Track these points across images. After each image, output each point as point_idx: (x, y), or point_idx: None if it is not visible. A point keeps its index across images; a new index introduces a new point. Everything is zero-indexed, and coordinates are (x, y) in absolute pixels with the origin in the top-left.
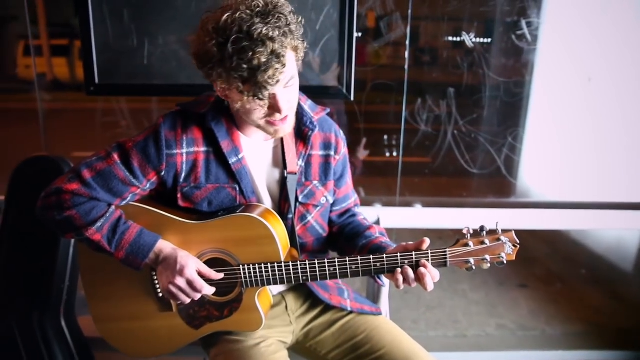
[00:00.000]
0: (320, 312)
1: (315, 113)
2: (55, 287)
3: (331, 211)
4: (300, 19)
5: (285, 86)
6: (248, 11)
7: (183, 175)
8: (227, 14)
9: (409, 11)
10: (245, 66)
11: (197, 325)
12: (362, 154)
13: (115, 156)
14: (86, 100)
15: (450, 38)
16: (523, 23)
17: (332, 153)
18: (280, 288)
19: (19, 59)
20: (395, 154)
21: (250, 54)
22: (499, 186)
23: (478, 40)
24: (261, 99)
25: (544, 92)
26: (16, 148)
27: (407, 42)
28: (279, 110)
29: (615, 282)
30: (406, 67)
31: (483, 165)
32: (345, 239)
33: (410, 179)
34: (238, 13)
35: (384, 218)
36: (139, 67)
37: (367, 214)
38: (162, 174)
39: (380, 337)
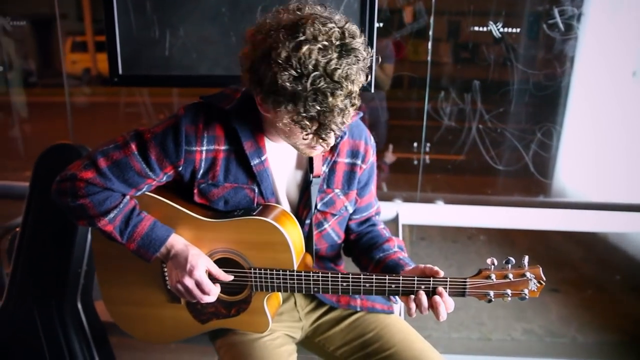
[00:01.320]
0: (330, 308)
1: None
2: (72, 271)
3: (350, 219)
4: (369, 49)
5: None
6: (326, 42)
7: (201, 171)
8: (306, 46)
9: (433, 0)
10: (318, 108)
11: (203, 320)
12: (390, 158)
13: (133, 146)
14: (126, 94)
15: (476, 28)
16: (555, 11)
17: (359, 162)
18: None
19: (67, 54)
20: (416, 148)
21: (329, 96)
22: (526, 184)
23: (506, 30)
24: (323, 139)
25: (584, 85)
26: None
27: (431, 33)
28: (325, 144)
29: None
30: (429, 59)
31: (509, 162)
32: (362, 249)
33: (432, 175)
34: (316, 45)
35: (403, 214)
36: (160, 58)
37: (386, 210)
38: (180, 169)
39: (391, 336)
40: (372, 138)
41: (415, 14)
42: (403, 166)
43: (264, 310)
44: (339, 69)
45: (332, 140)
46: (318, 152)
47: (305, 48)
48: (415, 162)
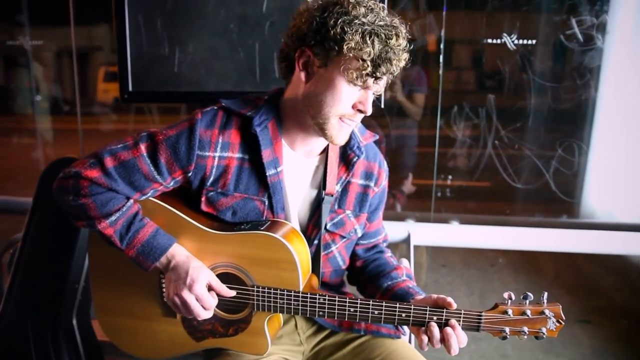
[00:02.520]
0: (332, 332)
1: (364, 138)
2: (68, 287)
3: (358, 244)
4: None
5: (378, 91)
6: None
7: (211, 179)
8: (362, 8)
9: (444, 12)
10: (378, 45)
11: (199, 338)
12: (409, 188)
13: (143, 147)
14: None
15: (490, 40)
16: (573, 22)
17: (372, 184)
18: None
19: (99, 84)
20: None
21: (392, 36)
22: (547, 204)
23: (521, 42)
24: (369, 75)
25: (613, 99)
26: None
27: (442, 46)
28: (364, 107)
29: None
30: (440, 72)
31: (528, 180)
32: (369, 276)
33: (446, 196)
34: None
35: (415, 235)
36: (170, 75)
37: (397, 230)
38: (190, 174)
39: None
40: (385, 162)
41: (438, 42)
42: (418, 192)
43: (264, 331)
44: (395, 24)
45: (367, 112)
46: (342, 138)
47: (362, 8)
48: (439, 194)
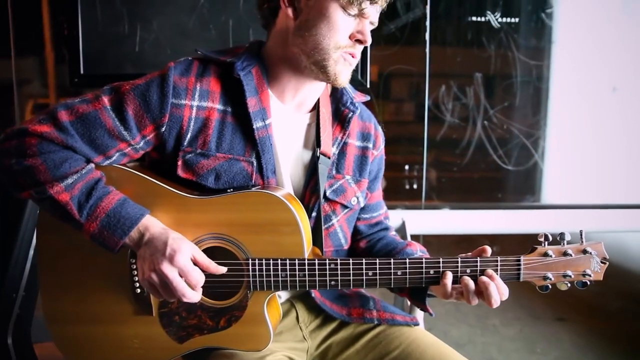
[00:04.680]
0: (341, 324)
1: (356, 95)
2: (3, 297)
3: (359, 219)
4: None
5: (371, 22)
6: None
7: (189, 136)
8: None
9: None
10: None
11: (182, 338)
12: None
13: (106, 100)
14: None
15: (474, 18)
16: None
17: (370, 146)
18: (289, 292)
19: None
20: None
21: None
22: (536, 184)
23: (504, 20)
24: (363, 0)
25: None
26: None
27: (428, 23)
28: (363, 37)
29: None
30: (427, 50)
31: (519, 161)
32: (379, 256)
33: (436, 178)
34: None
35: (410, 222)
36: (130, 55)
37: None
38: (163, 129)
39: (421, 353)
40: (380, 126)
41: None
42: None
43: (264, 317)
44: None
45: (367, 41)
46: (344, 78)
47: None
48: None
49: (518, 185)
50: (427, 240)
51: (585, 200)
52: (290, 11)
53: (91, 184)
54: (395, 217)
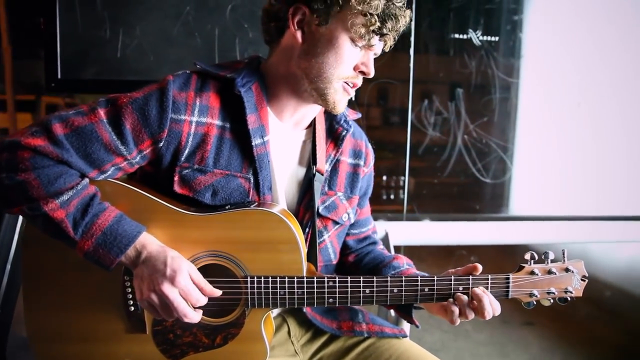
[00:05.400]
0: (331, 337)
1: (349, 113)
2: None
3: (349, 234)
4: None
5: (377, 53)
6: None
7: (186, 151)
8: None
9: (413, 5)
10: (384, 0)
11: (176, 356)
12: None
13: (102, 113)
14: None
15: (457, 35)
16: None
17: (362, 163)
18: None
19: None
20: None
21: None
22: (511, 196)
23: (485, 38)
24: (375, 32)
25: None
26: None
27: (412, 39)
28: (367, 69)
29: (633, 313)
30: (411, 64)
31: (496, 174)
32: (367, 269)
33: (417, 190)
34: None
35: (393, 233)
36: (111, 61)
37: None
38: (161, 144)
39: None
40: (370, 143)
41: None
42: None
43: (261, 334)
44: None
45: (370, 74)
46: (342, 105)
47: None
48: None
49: (495, 197)
50: (409, 251)
51: (554, 212)
52: (299, 34)
53: (87, 201)
54: (378, 229)
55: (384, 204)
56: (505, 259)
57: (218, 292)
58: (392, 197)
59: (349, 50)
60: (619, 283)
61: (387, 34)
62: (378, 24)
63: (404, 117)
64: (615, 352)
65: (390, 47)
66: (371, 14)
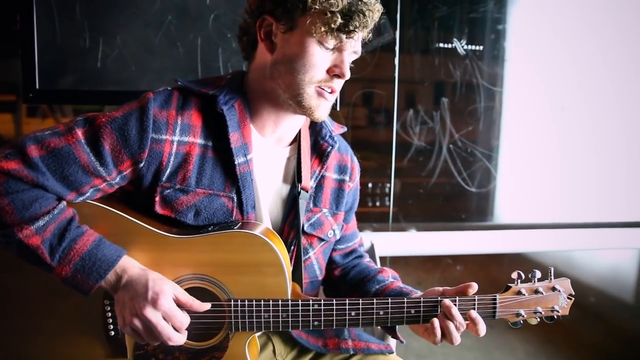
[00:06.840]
0: (317, 355)
1: (335, 128)
2: None
3: (335, 249)
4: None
5: (354, 52)
6: None
7: (168, 171)
8: None
9: (397, 15)
10: None
11: None
12: None
13: (79, 133)
14: None
15: (442, 45)
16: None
17: (347, 179)
18: None
19: None
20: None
21: None
22: (495, 205)
23: (470, 47)
24: (340, 30)
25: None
26: None
27: (397, 48)
28: (340, 71)
29: (616, 316)
30: (396, 74)
31: (482, 183)
32: (352, 284)
33: (403, 201)
34: None
35: (379, 244)
36: (91, 71)
37: None
38: (141, 165)
39: None
40: (355, 157)
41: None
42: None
43: (245, 357)
44: None
45: (345, 75)
46: (322, 113)
47: None
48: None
49: (480, 206)
50: (395, 261)
51: (539, 220)
52: (266, 45)
53: (64, 225)
54: (364, 240)
55: (370, 214)
56: (491, 267)
57: (207, 306)
58: (377, 203)
59: (318, 54)
60: (602, 287)
61: (353, 31)
62: (341, 21)
63: (389, 121)
64: (600, 355)
65: (369, 42)
66: (332, 12)
